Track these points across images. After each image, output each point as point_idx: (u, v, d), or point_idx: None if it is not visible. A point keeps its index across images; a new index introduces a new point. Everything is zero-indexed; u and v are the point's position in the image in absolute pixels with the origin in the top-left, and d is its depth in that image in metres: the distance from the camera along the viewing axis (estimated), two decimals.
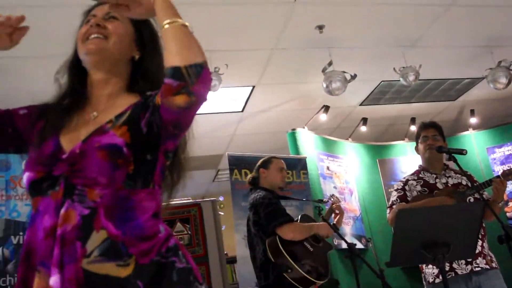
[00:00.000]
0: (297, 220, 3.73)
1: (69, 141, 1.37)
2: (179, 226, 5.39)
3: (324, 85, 4.85)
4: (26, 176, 1.35)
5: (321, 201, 4.69)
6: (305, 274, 3.37)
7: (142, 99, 1.43)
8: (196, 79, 1.26)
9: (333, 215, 3.99)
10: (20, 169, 4.61)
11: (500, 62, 5.30)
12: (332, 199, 4.14)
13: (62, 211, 1.26)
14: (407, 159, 6.44)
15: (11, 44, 1.43)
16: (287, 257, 3.36)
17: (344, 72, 4.86)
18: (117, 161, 1.30)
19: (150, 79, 1.50)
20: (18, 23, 1.41)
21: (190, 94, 1.26)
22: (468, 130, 6.90)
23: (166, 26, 1.33)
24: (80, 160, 1.30)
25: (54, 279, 1.20)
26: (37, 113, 1.49)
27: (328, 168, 5.93)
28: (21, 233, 4.43)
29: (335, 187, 5.85)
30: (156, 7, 1.37)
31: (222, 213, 5.96)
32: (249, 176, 3.97)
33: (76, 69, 1.52)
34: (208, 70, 1.30)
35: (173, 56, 1.29)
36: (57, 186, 1.30)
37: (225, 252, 5.76)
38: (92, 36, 1.46)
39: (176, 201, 5.65)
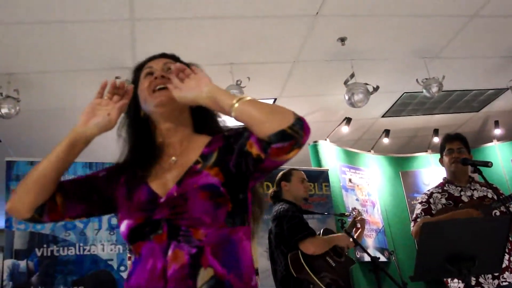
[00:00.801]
0: (319, 234, 3.71)
1: (160, 187, 1.44)
2: None
3: (346, 97, 4.83)
4: (125, 225, 1.41)
5: (343, 214, 4.66)
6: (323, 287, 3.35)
7: (224, 142, 1.51)
8: (303, 131, 1.31)
9: (354, 228, 3.97)
10: None
11: None
12: (354, 213, 4.12)
13: (170, 252, 1.33)
14: (430, 171, 6.38)
15: (113, 124, 1.50)
16: (309, 272, 3.34)
17: (367, 84, 4.85)
18: (218, 200, 1.37)
19: (211, 122, 1.60)
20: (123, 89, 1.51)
21: (300, 146, 1.32)
22: (492, 141, 6.82)
23: (237, 104, 1.35)
24: (182, 202, 1.37)
25: None
26: (116, 171, 1.58)
27: (350, 180, 5.90)
28: (44, 246, 4.48)
29: (357, 200, 5.82)
30: (214, 94, 1.42)
31: None
32: (271, 190, 3.96)
33: (138, 123, 1.60)
34: (304, 119, 1.35)
35: (269, 123, 1.30)
36: (159, 230, 1.36)
37: None
38: (159, 87, 1.51)
39: None
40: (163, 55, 1.66)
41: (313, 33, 4.36)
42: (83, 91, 4.81)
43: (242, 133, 1.45)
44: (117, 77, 4.29)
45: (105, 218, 4.87)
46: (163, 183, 1.45)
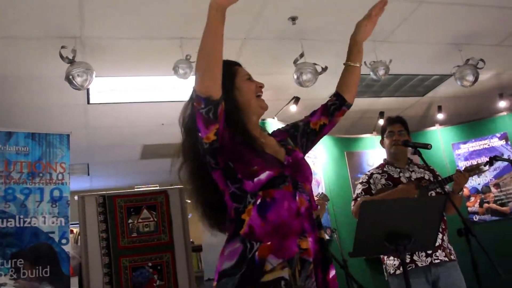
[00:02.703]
0: None
1: (275, 155, 1.98)
2: (145, 213, 5.37)
3: (295, 77, 4.86)
4: (266, 174, 1.86)
5: None
6: None
7: (288, 133, 2.23)
8: None
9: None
10: None
11: (468, 60, 5.39)
12: (319, 195, 4.14)
13: (297, 198, 1.89)
14: (375, 153, 6.53)
15: None
16: None
17: (316, 64, 4.88)
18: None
19: None
20: None
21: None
22: (435, 125, 7.03)
23: (358, 64, 2.43)
24: (298, 166, 1.98)
25: (310, 240, 1.86)
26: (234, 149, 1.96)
27: None
28: None
29: None
30: (358, 46, 2.49)
31: (189, 201, 5.94)
32: None
33: (237, 109, 2.04)
34: None
35: (354, 92, 2.37)
36: (286, 182, 1.90)
37: (191, 240, 5.76)
38: (259, 94, 2.15)
39: (143, 188, 5.62)
40: None
41: (264, 10, 4.35)
42: (27, 59, 4.67)
43: (298, 125, 2.25)
44: (63, 47, 4.18)
45: (47, 190, 4.77)
46: (275, 151, 2.00)
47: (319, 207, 3.99)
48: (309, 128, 2.23)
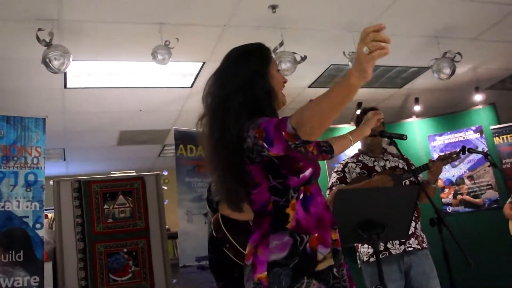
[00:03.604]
0: None
1: None
2: (121, 199, 5.35)
3: None
4: (309, 171, 1.96)
5: None
6: (242, 250, 3.42)
7: None
8: None
9: None
10: None
11: (445, 53, 5.44)
12: None
13: (322, 194, 2.03)
14: None
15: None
16: (226, 233, 3.40)
17: (295, 53, 4.89)
18: None
19: None
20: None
21: None
22: (411, 117, 7.10)
23: (351, 141, 2.59)
24: (317, 162, 2.12)
25: (335, 233, 1.99)
26: None
27: None
28: None
29: None
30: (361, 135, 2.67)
31: (166, 188, 5.94)
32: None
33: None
34: None
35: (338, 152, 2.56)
36: (315, 178, 2.01)
37: (167, 227, 5.75)
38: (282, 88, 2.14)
39: (119, 174, 5.59)
40: None
41: None
42: (3, 41, 4.59)
43: None
44: (40, 29, 4.12)
45: (21, 174, 4.72)
46: None
47: None
48: None
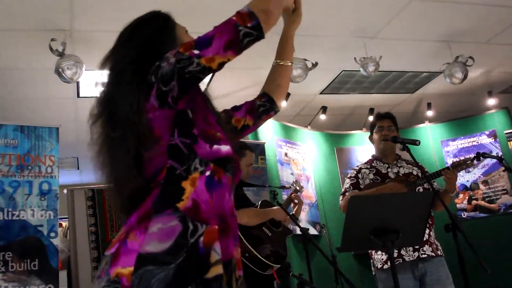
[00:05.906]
0: (257, 206, 3.75)
1: None
2: None
3: None
4: (227, 149, 1.53)
5: (284, 187, 4.72)
6: (262, 258, 3.41)
7: None
8: None
9: (292, 204, 4.00)
10: None
11: (457, 57, 5.42)
12: (294, 185, 4.13)
13: (232, 197, 1.57)
14: (364, 149, 6.55)
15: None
16: (245, 241, 3.40)
17: (306, 59, 4.89)
18: None
19: None
20: None
21: None
22: (424, 122, 7.06)
23: (289, 63, 1.98)
24: (237, 161, 1.62)
25: (238, 250, 1.55)
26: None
27: (286, 154, 5.98)
28: None
29: (292, 174, 5.91)
30: (291, 41, 2.04)
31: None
32: None
33: None
34: None
35: (284, 96, 2.00)
36: (230, 172, 1.54)
37: None
38: None
39: None
40: None
41: None
42: (17, 52, 4.64)
43: (220, 115, 1.80)
44: (53, 39, 4.16)
45: (35, 183, 4.75)
46: None
47: (296, 200, 3.96)
48: (230, 124, 1.81)
